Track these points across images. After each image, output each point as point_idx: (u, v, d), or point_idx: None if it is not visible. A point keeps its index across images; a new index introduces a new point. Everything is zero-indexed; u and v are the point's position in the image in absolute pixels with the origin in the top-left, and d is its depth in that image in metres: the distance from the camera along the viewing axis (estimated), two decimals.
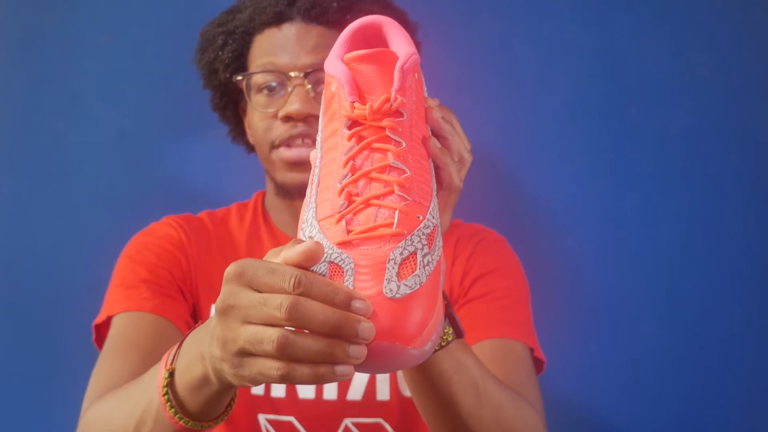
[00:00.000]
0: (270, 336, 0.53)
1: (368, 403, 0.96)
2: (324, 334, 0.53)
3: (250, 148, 1.08)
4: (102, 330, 0.96)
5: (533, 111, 1.24)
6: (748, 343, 1.21)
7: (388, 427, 0.96)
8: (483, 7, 1.24)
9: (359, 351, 0.53)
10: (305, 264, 0.56)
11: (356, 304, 0.53)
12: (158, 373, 0.68)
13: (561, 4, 1.24)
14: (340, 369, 0.53)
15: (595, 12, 1.24)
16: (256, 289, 0.55)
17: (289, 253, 0.56)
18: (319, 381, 0.53)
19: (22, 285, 1.23)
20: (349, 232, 0.57)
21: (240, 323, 0.55)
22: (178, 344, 0.68)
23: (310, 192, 0.63)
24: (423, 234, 0.58)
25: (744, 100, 1.22)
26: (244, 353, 0.55)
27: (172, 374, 0.66)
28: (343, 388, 0.96)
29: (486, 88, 1.24)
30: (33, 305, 1.22)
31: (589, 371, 1.22)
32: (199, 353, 0.62)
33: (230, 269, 0.56)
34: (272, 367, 0.54)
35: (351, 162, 0.60)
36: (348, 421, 0.96)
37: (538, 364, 0.98)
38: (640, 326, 1.22)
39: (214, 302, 0.98)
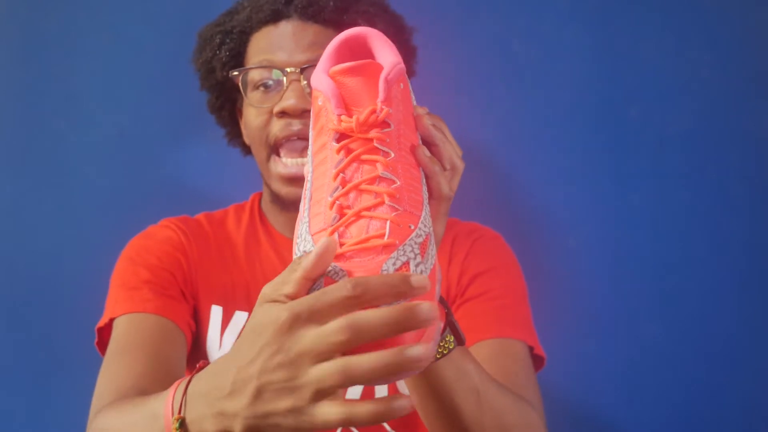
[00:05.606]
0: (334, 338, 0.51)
1: None
2: (391, 339, 0.52)
3: (247, 151, 1.08)
4: (104, 334, 0.96)
5: (533, 111, 1.24)
6: (748, 343, 1.20)
7: (386, 426, 0.96)
8: (482, 7, 1.24)
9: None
10: (328, 258, 0.55)
11: (414, 282, 0.52)
12: (164, 414, 0.64)
13: (561, 4, 1.24)
14: (415, 349, 0.51)
15: (595, 12, 1.24)
16: (317, 323, 0.53)
17: (307, 260, 0.55)
18: (392, 371, 0.51)
19: (22, 285, 1.23)
20: (341, 244, 0.57)
21: (308, 367, 0.53)
22: (184, 388, 0.63)
23: (304, 206, 0.63)
24: (415, 243, 0.58)
25: (744, 101, 1.22)
26: (317, 394, 0.53)
27: (182, 424, 0.62)
28: None
29: (485, 89, 1.24)
30: (33, 305, 1.23)
31: (588, 371, 1.22)
32: (218, 411, 0.58)
33: (282, 320, 0.53)
34: (332, 369, 0.52)
35: (341, 175, 0.60)
36: None
37: (538, 360, 0.98)
38: (640, 326, 1.21)
39: (212, 303, 0.99)
